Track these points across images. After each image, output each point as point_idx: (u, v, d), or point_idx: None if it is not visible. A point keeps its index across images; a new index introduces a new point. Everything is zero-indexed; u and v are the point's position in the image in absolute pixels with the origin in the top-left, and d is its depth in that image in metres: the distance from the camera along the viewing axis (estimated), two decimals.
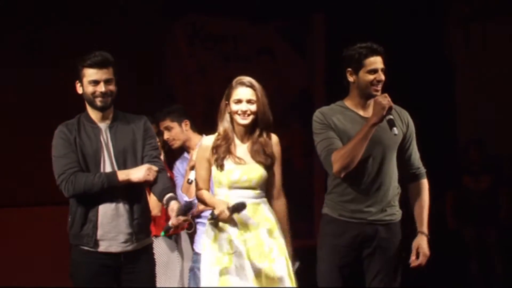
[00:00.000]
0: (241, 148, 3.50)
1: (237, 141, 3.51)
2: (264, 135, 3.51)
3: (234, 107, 3.48)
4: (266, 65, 7.88)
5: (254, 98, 3.49)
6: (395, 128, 3.32)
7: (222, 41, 7.71)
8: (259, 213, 3.45)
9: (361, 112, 3.53)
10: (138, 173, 3.39)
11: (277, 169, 3.58)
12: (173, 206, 3.37)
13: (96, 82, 3.45)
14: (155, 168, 3.42)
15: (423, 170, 3.64)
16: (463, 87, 7.91)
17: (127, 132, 3.51)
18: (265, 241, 3.41)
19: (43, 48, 6.07)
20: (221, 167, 3.44)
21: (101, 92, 3.45)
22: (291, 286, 3.42)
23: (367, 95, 3.51)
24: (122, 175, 3.39)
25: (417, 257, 3.52)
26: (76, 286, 3.49)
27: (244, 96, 3.47)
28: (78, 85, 3.51)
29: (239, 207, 3.38)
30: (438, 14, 8.01)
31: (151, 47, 6.61)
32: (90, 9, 6.30)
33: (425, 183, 3.64)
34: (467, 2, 7.83)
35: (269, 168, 3.50)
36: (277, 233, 3.47)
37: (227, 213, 3.34)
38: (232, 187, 3.45)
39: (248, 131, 3.52)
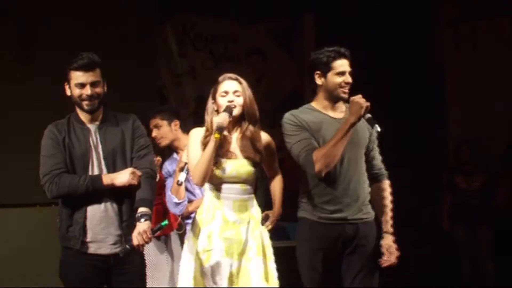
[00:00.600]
0: (232, 143, 3.50)
1: (226, 136, 3.50)
2: (251, 128, 3.50)
3: (221, 100, 3.49)
4: (257, 66, 7.90)
5: (240, 90, 3.51)
6: (377, 126, 3.37)
7: (213, 41, 7.72)
8: (244, 210, 3.45)
9: (330, 114, 3.60)
10: (122, 178, 3.37)
11: (275, 165, 3.67)
12: (140, 227, 3.35)
13: (82, 85, 3.43)
14: (138, 172, 3.40)
15: (385, 171, 3.72)
16: (453, 87, 7.94)
17: (116, 133, 3.50)
18: (244, 240, 3.41)
19: (35, 47, 6.07)
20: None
21: (87, 95, 3.44)
22: (266, 286, 3.39)
23: (335, 97, 3.61)
24: (107, 179, 3.37)
25: (388, 257, 3.57)
26: (66, 287, 3.49)
27: (230, 88, 3.50)
28: (66, 87, 3.50)
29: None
30: (427, 15, 8.03)
31: (142, 47, 6.60)
32: (81, 8, 6.30)
33: (386, 184, 3.70)
34: (456, 3, 7.86)
35: (257, 164, 3.50)
36: (258, 232, 3.47)
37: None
38: (222, 181, 3.44)
39: (236, 125, 3.52)
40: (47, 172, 3.40)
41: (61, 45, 5.71)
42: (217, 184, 3.45)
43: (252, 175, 3.48)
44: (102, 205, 3.42)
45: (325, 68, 3.59)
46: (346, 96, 3.58)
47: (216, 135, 3.35)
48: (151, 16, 6.94)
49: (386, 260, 3.56)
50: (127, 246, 3.34)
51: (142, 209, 3.39)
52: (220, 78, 3.58)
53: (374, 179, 3.69)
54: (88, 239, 3.41)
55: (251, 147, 3.48)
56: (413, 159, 3.76)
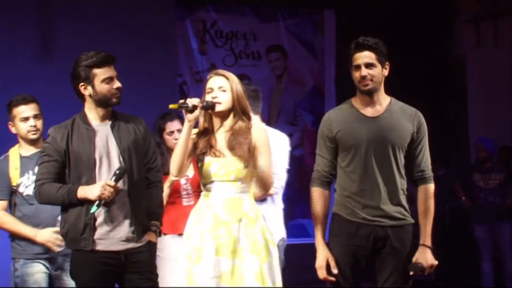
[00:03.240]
0: (220, 141, 3.41)
1: (216, 134, 3.42)
2: (240, 124, 3.40)
3: (207, 97, 3.40)
4: (277, 63, 7.90)
5: (226, 85, 3.41)
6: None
7: (233, 38, 7.74)
8: (237, 208, 3.36)
9: (365, 110, 3.50)
10: (93, 191, 3.32)
11: (264, 158, 3.41)
12: (150, 235, 3.49)
13: (111, 79, 3.41)
14: (110, 183, 3.32)
15: (426, 174, 3.52)
16: (474, 84, 7.89)
17: (129, 130, 3.49)
18: (237, 238, 3.33)
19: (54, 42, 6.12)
20: (201, 161, 3.38)
21: (117, 88, 3.43)
22: (259, 286, 3.30)
23: (360, 91, 3.51)
24: (81, 191, 3.35)
25: (423, 271, 3.46)
26: (78, 286, 3.46)
27: (215, 84, 3.42)
28: (83, 87, 3.43)
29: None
30: (449, 12, 7.99)
31: (162, 44, 6.63)
32: (102, 5, 6.34)
33: (428, 188, 3.51)
34: (478, 0, 7.81)
35: (248, 160, 3.36)
36: (252, 230, 3.36)
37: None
38: (212, 180, 3.38)
39: (224, 121, 3.43)
40: (37, 179, 3.45)
41: (81, 42, 5.76)
42: (207, 183, 3.39)
43: (243, 173, 3.37)
44: (113, 204, 3.40)
45: (350, 62, 3.49)
46: (366, 89, 3.42)
47: (173, 106, 3.32)
48: (171, 13, 6.98)
49: (417, 271, 3.41)
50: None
51: (153, 222, 3.51)
52: (208, 76, 3.50)
53: (415, 182, 3.53)
54: (98, 237, 3.39)
55: (240, 144, 3.37)
56: (435, 156, 3.68)
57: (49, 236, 3.78)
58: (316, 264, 3.42)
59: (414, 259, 3.41)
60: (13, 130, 3.98)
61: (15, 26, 6.04)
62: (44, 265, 3.83)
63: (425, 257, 3.42)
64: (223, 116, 3.42)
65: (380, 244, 3.42)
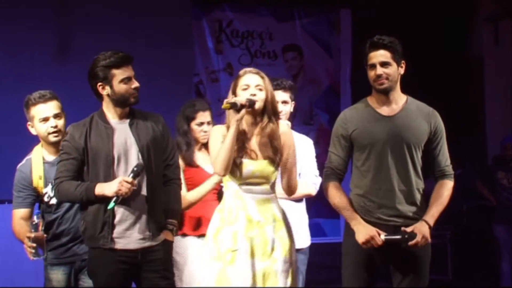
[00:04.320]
0: (252, 142, 3.43)
1: (247, 133, 3.44)
2: (271, 125, 3.42)
3: (242, 94, 3.38)
4: (293, 62, 7.90)
5: (262, 84, 3.42)
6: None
7: (249, 37, 7.74)
8: (269, 210, 3.39)
9: (381, 109, 3.49)
10: (111, 187, 3.33)
11: (292, 163, 3.47)
12: (166, 234, 3.51)
13: (129, 79, 3.43)
14: (127, 179, 3.33)
15: (447, 172, 3.53)
16: (491, 83, 7.84)
17: (147, 127, 3.51)
18: (269, 240, 3.35)
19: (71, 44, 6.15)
20: (235, 160, 3.36)
21: (135, 88, 3.45)
22: (290, 287, 3.34)
23: (376, 90, 3.49)
24: (99, 188, 3.36)
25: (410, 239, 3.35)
26: (96, 286, 3.49)
27: (252, 82, 3.41)
28: (101, 87, 3.45)
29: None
30: (467, 11, 7.94)
31: (179, 44, 6.65)
32: (118, 5, 6.37)
33: (447, 183, 3.51)
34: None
35: (277, 163, 3.41)
36: (283, 232, 3.40)
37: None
38: (245, 181, 3.39)
39: (256, 121, 3.44)
40: (56, 177, 3.46)
41: (98, 43, 5.78)
42: (239, 184, 3.40)
43: (274, 175, 3.42)
44: (131, 201, 3.41)
45: (365, 61, 3.48)
46: (382, 87, 3.42)
47: (225, 105, 3.29)
48: (188, 12, 6.99)
49: (415, 242, 3.34)
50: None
51: (170, 220, 3.51)
52: (241, 72, 3.47)
53: (436, 178, 3.53)
54: (116, 235, 3.41)
55: (270, 146, 3.40)
56: (451, 155, 3.65)
57: None
58: (361, 240, 3.37)
59: (410, 229, 3.37)
60: (32, 131, 3.71)
61: (32, 26, 6.07)
62: (64, 269, 3.76)
63: (422, 229, 3.37)
64: (255, 115, 3.43)
65: (396, 243, 3.41)
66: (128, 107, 3.51)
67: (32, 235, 3.53)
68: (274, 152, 3.39)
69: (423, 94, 3.65)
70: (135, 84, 3.45)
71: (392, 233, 3.38)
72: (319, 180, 4.04)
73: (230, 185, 3.43)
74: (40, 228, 3.55)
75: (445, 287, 6.83)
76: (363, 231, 3.37)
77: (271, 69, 7.70)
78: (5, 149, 5.75)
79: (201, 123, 4.05)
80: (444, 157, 3.54)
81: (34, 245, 3.53)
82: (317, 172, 4.09)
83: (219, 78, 7.52)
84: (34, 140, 3.78)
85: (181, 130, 4.08)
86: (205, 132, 4.03)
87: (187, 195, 3.93)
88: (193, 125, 4.06)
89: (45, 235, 3.58)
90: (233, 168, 3.37)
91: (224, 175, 3.41)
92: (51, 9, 6.22)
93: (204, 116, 4.07)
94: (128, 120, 3.50)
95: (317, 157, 4.14)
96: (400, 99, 3.51)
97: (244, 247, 3.32)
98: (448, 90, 7.58)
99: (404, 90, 3.52)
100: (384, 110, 3.49)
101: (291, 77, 7.84)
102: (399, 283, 3.47)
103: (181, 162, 3.92)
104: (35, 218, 3.58)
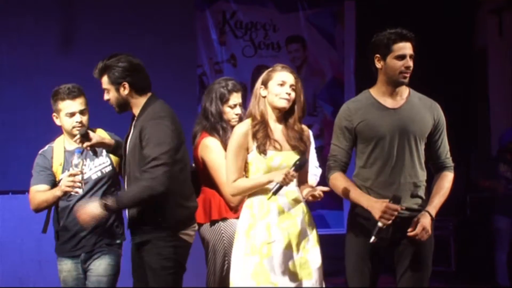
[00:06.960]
0: (278, 134, 3.46)
1: (272, 125, 3.47)
2: (298, 124, 3.49)
3: (276, 89, 3.42)
4: (297, 53, 7.89)
5: (296, 85, 3.47)
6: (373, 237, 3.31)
7: (253, 29, 7.73)
8: (298, 201, 3.43)
9: (385, 101, 3.48)
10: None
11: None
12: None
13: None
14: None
15: (448, 164, 3.53)
16: (495, 74, 7.82)
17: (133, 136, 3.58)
18: (301, 230, 3.39)
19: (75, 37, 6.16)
20: (264, 152, 3.39)
21: None
22: (322, 279, 3.39)
23: (394, 82, 3.46)
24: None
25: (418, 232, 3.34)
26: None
27: (289, 80, 3.44)
28: (123, 87, 3.49)
29: (302, 163, 3.35)
30: (472, 2, 7.92)
31: (182, 35, 6.65)
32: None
33: (447, 174, 3.52)
34: None
35: (304, 154, 3.47)
36: (311, 222, 3.45)
37: (292, 172, 3.30)
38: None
39: (283, 117, 3.49)
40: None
41: (102, 35, 5.79)
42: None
43: None
44: None
45: (385, 51, 3.40)
46: (405, 81, 3.42)
47: (270, 197, 3.32)
48: (192, 3, 6.99)
49: (411, 231, 3.33)
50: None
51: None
52: (278, 67, 3.49)
53: (436, 169, 3.54)
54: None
55: (298, 138, 3.46)
56: (455, 147, 3.65)
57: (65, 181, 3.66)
58: (378, 214, 3.31)
59: (414, 219, 3.37)
60: (57, 122, 3.82)
61: (37, 18, 6.08)
62: (72, 262, 3.81)
63: (424, 221, 3.37)
64: (282, 112, 3.48)
65: (399, 235, 3.41)
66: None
67: (74, 172, 3.58)
68: (302, 143, 3.47)
69: (427, 86, 3.65)
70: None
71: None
72: (319, 171, 4.05)
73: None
74: (80, 167, 3.60)
75: (448, 278, 6.84)
76: (376, 206, 3.33)
77: (275, 60, 7.64)
78: (9, 141, 5.78)
79: (234, 105, 3.85)
80: (445, 149, 3.55)
81: (77, 179, 3.56)
82: (317, 163, 4.08)
83: (223, 69, 7.51)
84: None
85: (214, 112, 3.83)
86: (237, 114, 3.84)
87: (239, 182, 3.48)
88: (225, 107, 3.84)
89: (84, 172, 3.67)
90: (262, 160, 3.40)
91: (233, 205, 3.63)
92: (55, 1, 6.22)
93: (238, 97, 3.86)
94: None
95: (321, 148, 4.14)
96: (404, 91, 3.52)
97: (279, 239, 3.35)
98: (452, 82, 7.57)
99: (408, 82, 3.51)
100: (388, 102, 3.49)
101: (295, 69, 7.79)
102: (402, 274, 3.48)
103: (221, 147, 3.77)
104: (75, 157, 3.62)
